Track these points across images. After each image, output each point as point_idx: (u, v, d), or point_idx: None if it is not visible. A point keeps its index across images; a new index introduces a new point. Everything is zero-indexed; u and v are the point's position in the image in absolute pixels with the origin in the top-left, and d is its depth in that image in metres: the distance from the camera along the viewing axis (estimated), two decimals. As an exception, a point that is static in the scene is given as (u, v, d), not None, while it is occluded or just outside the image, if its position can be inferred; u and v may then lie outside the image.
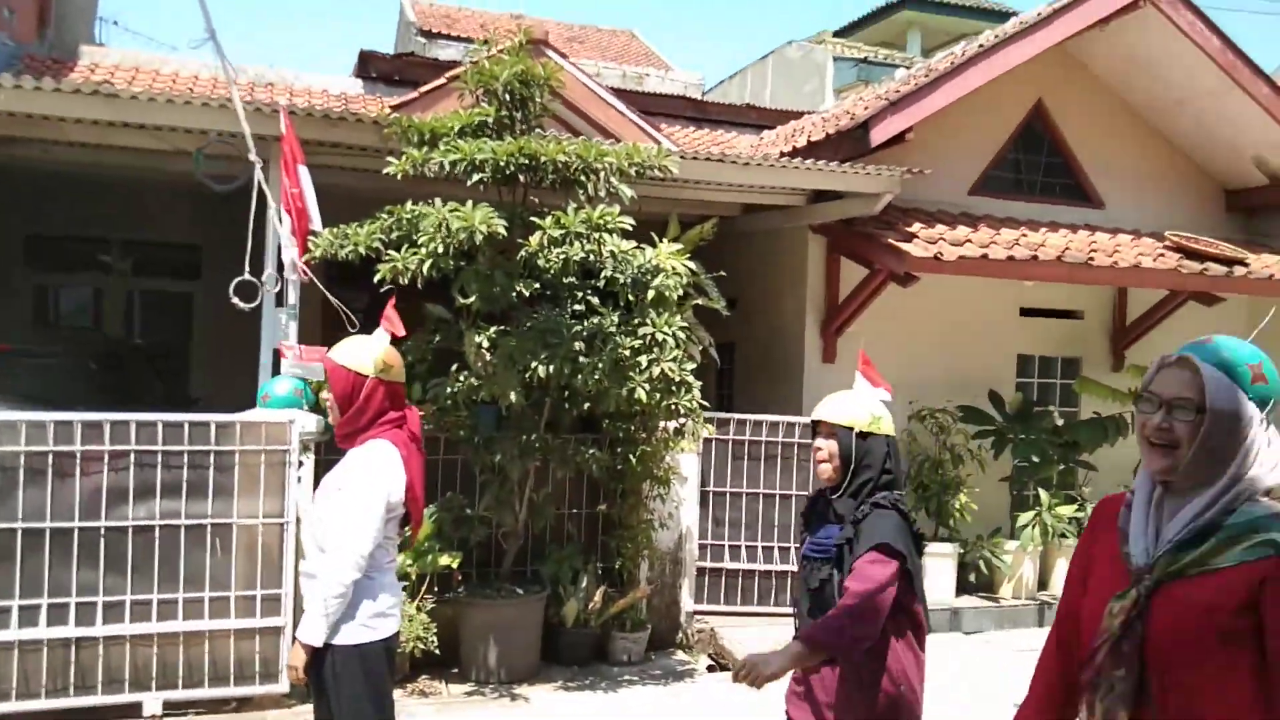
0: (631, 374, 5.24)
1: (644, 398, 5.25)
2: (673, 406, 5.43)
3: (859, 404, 2.98)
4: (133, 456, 5.03)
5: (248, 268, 5.63)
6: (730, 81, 19.29)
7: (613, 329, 5.25)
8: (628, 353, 5.21)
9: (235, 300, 5.35)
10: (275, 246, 5.85)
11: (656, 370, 5.20)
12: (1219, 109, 8.56)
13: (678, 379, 5.32)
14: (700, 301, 6.46)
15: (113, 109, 5.30)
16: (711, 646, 6.78)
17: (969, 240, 7.32)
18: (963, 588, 7.87)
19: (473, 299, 5.56)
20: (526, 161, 5.08)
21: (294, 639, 3.10)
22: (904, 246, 6.84)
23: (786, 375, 8.25)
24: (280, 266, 5.78)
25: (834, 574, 2.84)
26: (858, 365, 3.56)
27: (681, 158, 6.28)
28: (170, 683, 5.10)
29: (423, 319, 6.12)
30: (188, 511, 5.12)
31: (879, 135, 7.08)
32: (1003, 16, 21.24)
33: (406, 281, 5.21)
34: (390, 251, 5.15)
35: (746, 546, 7.22)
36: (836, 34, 20.51)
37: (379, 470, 3.05)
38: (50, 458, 4.90)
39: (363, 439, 3.11)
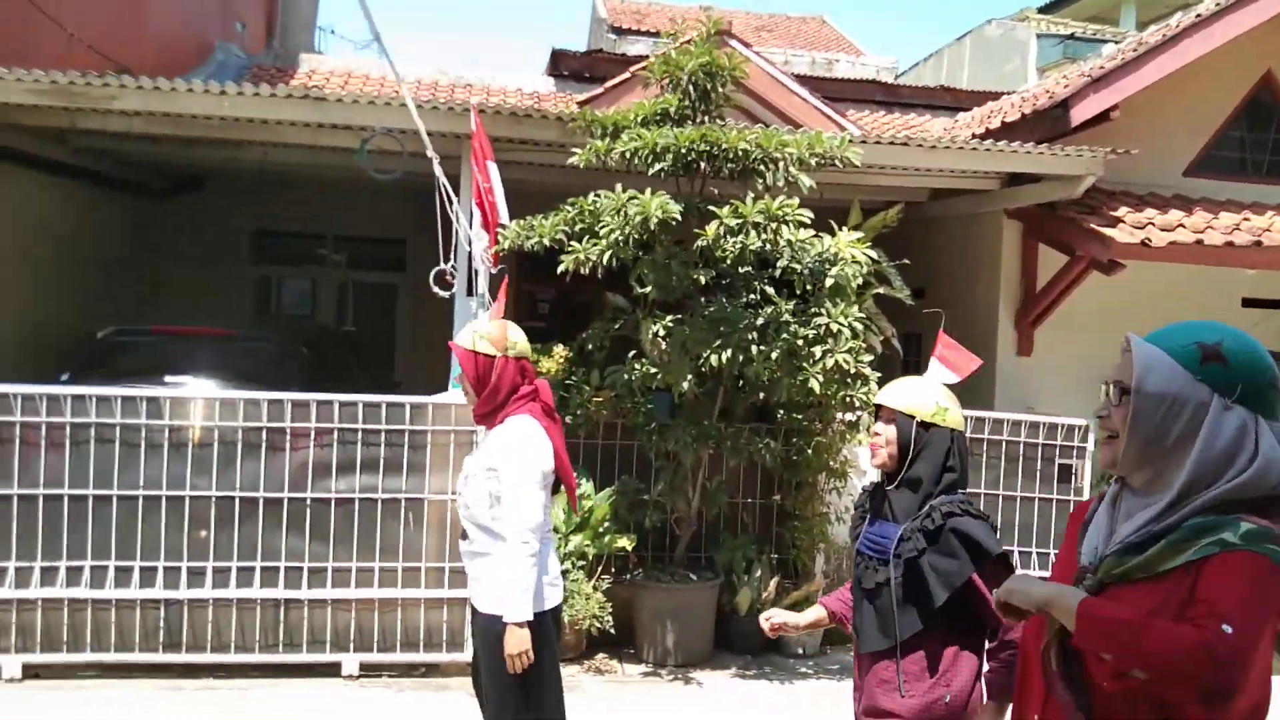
0: (805, 364, 5.18)
1: (817, 389, 5.17)
2: (848, 399, 5.32)
3: (925, 391, 2.78)
4: (336, 434, 5.42)
5: (441, 259, 5.95)
6: (925, 64, 18.62)
7: (787, 318, 5.20)
8: (801, 343, 5.14)
9: (435, 289, 5.64)
10: (465, 238, 6.14)
11: (830, 361, 5.11)
12: None
13: (853, 370, 5.20)
14: (882, 290, 6.28)
15: (318, 111, 5.72)
16: (888, 643, 6.60)
17: (1181, 225, 6.77)
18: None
19: (649, 288, 5.64)
20: (708, 149, 5.09)
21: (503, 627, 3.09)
22: (1108, 231, 6.41)
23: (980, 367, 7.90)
24: (470, 257, 6.06)
25: (891, 579, 2.64)
26: (935, 347, 3.27)
27: (864, 143, 6.12)
28: (366, 645, 5.48)
29: (602, 308, 6.28)
30: (384, 486, 5.47)
31: (1079, 114, 6.66)
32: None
33: (587, 271, 5.35)
34: (573, 243, 5.29)
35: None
36: (1042, 10, 19.40)
37: (528, 443, 3.15)
38: (264, 433, 5.36)
39: (502, 416, 3.21)
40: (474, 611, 3.30)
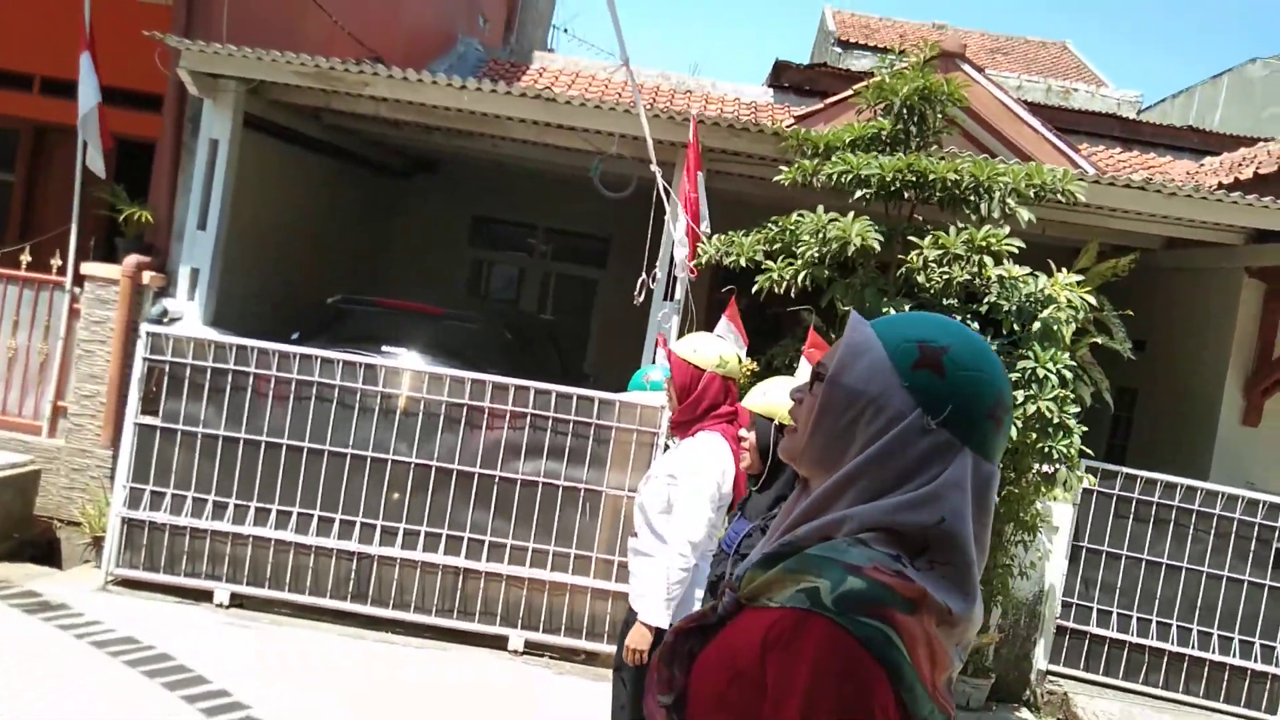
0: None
1: (1014, 435, 4.94)
2: (1047, 449, 5.06)
3: (782, 391, 2.63)
4: (529, 419, 5.66)
5: (645, 263, 6.10)
6: (1173, 101, 17.40)
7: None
8: (1002, 386, 4.92)
9: (637, 297, 5.79)
10: (669, 245, 6.27)
11: (1032, 408, 4.88)
12: None
13: (1055, 420, 4.95)
14: (1100, 340, 5.94)
15: (547, 111, 5.98)
16: (1063, 711, 6.25)
17: None
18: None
19: (849, 307, 5.57)
20: (914, 179, 4.98)
21: (634, 621, 3.25)
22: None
23: (1195, 433, 7.34)
24: (671, 264, 6.18)
25: (728, 574, 2.44)
26: (804, 347, 3.06)
27: (1096, 182, 5.80)
28: (533, 624, 5.69)
29: (795, 325, 6.25)
30: (567, 474, 5.67)
31: (1350, 171, 6.05)
32: None
33: (781, 291, 5.34)
34: (769, 261, 5.30)
35: (1119, 614, 6.53)
36: (1317, 50, 17.65)
37: (712, 460, 3.19)
38: (465, 410, 5.66)
39: (696, 429, 3.27)
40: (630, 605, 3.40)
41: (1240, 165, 8.94)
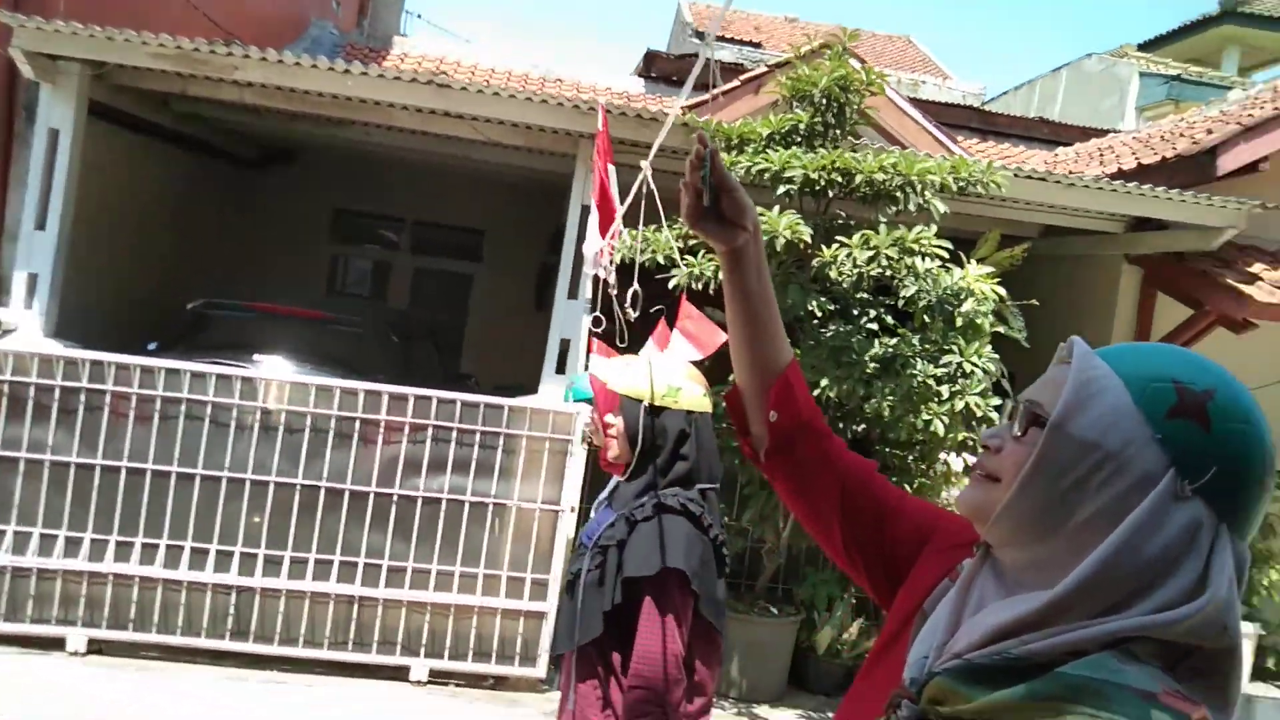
0: (931, 404, 4.88)
1: (941, 431, 4.88)
2: (969, 442, 5.02)
3: (650, 372, 2.42)
4: (430, 431, 5.22)
5: (572, 263, 5.74)
6: (1015, 93, 18.17)
7: (911, 354, 4.91)
8: (932, 381, 4.85)
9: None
10: (575, 242, 5.94)
11: (960, 403, 4.81)
12: None
13: (981, 414, 4.90)
14: (1002, 330, 5.97)
15: (440, 98, 5.53)
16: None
17: (1325, 287, 6.38)
18: (1259, 673, 6.95)
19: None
20: (839, 178, 4.83)
21: None
22: (1246, 289, 6.04)
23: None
24: (580, 260, 5.85)
25: (585, 572, 2.32)
26: (678, 319, 2.61)
27: (1015, 175, 5.81)
28: (437, 651, 5.26)
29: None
30: (473, 489, 5.26)
31: (1228, 163, 6.29)
32: (1346, 34, 18.79)
33: (700, 287, 5.10)
34: (687, 256, 5.05)
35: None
36: (1141, 47, 18.84)
37: None
38: (357, 424, 5.16)
39: None
40: None
41: (1100, 155, 9.30)
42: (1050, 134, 13.06)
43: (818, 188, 4.88)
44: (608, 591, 2.28)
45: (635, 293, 2.93)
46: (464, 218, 10.56)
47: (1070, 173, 7.25)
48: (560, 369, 6.06)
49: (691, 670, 2.29)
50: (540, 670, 5.34)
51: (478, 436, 5.24)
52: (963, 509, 1.11)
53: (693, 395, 2.43)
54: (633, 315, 3.01)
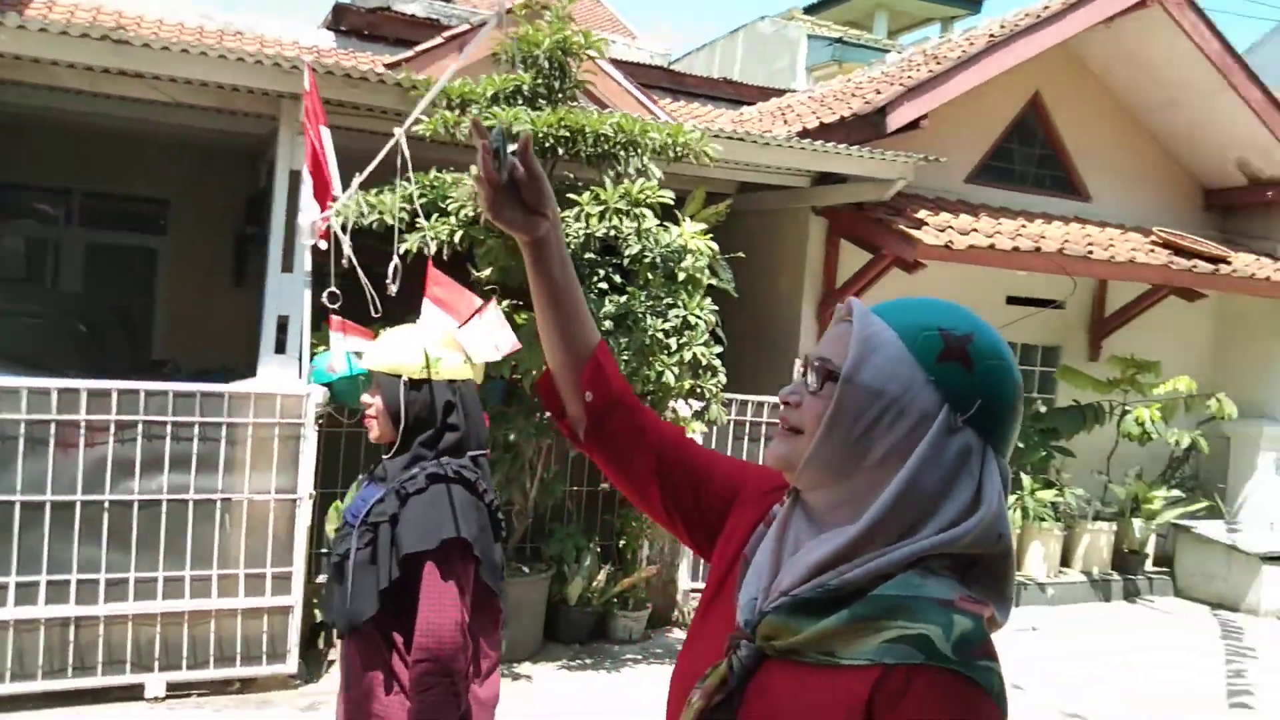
0: (661, 356, 5.14)
1: (672, 381, 5.16)
2: (698, 389, 5.35)
3: (408, 344, 2.37)
4: (140, 427, 4.77)
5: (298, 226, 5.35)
6: (698, 54, 19.10)
7: (641, 310, 5.13)
8: (661, 335, 5.10)
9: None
10: (280, 210, 5.60)
11: (689, 354, 5.11)
12: (1210, 110, 8.71)
13: (705, 363, 5.24)
14: (714, 282, 6.37)
15: (119, 56, 4.96)
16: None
17: (975, 229, 7.35)
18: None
19: (486, 272, 5.39)
20: (567, 134, 4.90)
21: None
22: (915, 234, 6.83)
23: (779, 355, 8.21)
24: (295, 230, 5.53)
25: (355, 551, 2.26)
26: (426, 287, 2.63)
27: (731, 138, 6.16)
28: (174, 663, 4.89)
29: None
30: (197, 486, 4.89)
31: (895, 121, 7.04)
32: (971, 3, 21.42)
33: (432, 253, 5.01)
34: (420, 220, 4.94)
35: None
36: (807, 10, 20.44)
37: None
38: (53, 427, 4.62)
39: None
40: None
41: (781, 114, 10.07)
42: (734, 94, 13.87)
43: (546, 146, 4.94)
44: (383, 568, 2.22)
45: (396, 267, 2.85)
46: (144, 187, 9.57)
47: (764, 133, 7.80)
48: (280, 348, 5.72)
49: (475, 637, 2.30)
50: (291, 666, 5.12)
51: (196, 429, 4.86)
52: (772, 462, 1.22)
53: (453, 364, 2.39)
54: (393, 290, 2.93)
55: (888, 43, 17.39)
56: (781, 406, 1.21)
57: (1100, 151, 9.12)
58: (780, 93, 13.45)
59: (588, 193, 4.99)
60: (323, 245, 5.36)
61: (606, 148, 4.97)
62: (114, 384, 4.71)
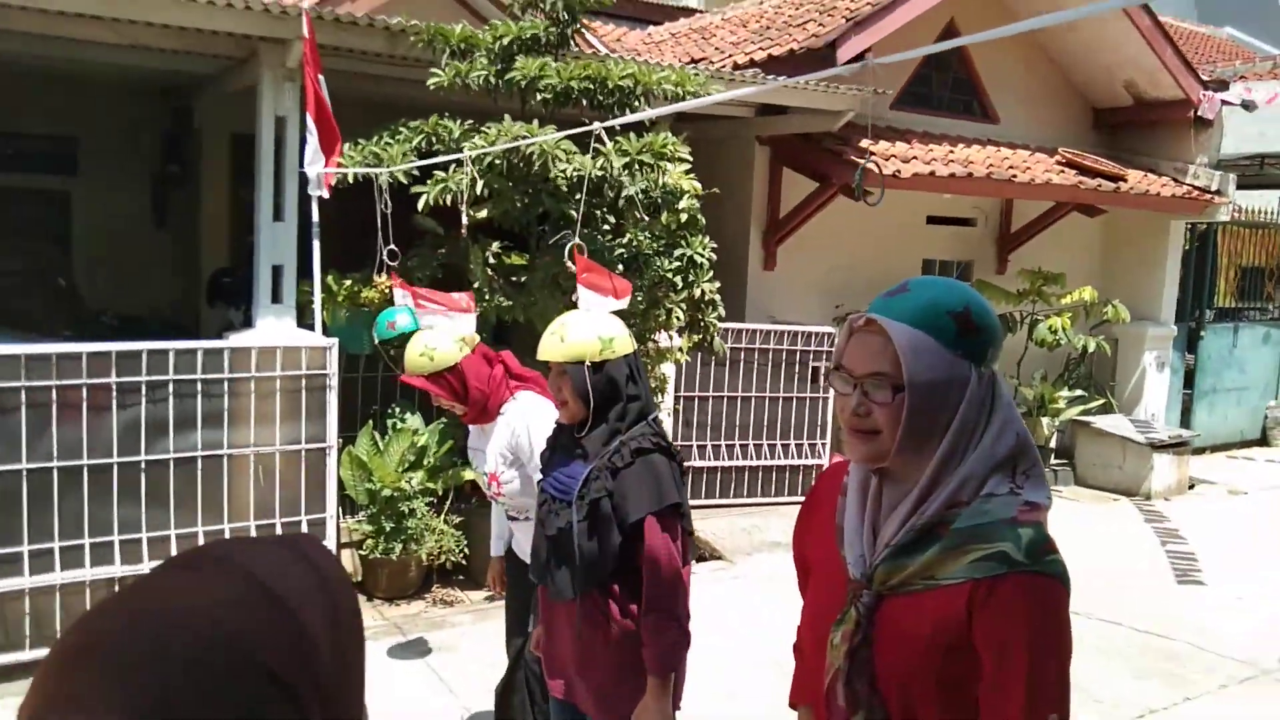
0: (670, 295, 5.43)
1: (681, 318, 5.46)
2: (702, 322, 5.67)
3: (583, 331, 2.59)
4: (171, 386, 4.76)
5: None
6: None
7: (650, 251, 5.38)
8: (669, 274, 5.37)
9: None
10: (271, 156, 5.54)
11: (697, 292, 5.41)
12: (1102, 34, 9.40)
13: (708, 298, 5.56)
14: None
15: (106, 3, 4.76)
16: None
17: (915, 157, 7.83)
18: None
19: (483, 213, 5.50)
20: (590, 85, 5.03)
21: None
22: (863, 162, 7.24)
23: (729, 282, 8.57)
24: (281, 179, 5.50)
25: (574, 523, 2.48)
26: (578, 276, 3.02)
27: (730, 80, 6.35)
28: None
29: (421, 233, 6.00)
30: (229, 441, 4.93)
31: (846, 54, 7.37)
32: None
33: (449, 202, 5.11)
34: (437, 171, 5.01)
35: (712, 445, 7.67)
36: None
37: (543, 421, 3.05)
38: (85, 390, 4.57)
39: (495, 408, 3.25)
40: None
41: (704, 33, 10.24)
42: (634, 12, 13.87)
43: (573, 96, 5.06)
44: (610, 537, 2.50)
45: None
46: (49, 125, 9.01)
47: (697, 60, 8.00)
48: (276, 298, 5.72)
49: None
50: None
51: (225, 385, 4.89)
52: (860, 459, 1.53)
53: (623, 341, 2.60)
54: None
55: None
56: (853, 418, 1.50)
57: (1006, 75, 9.73)
58: (684, 11, 13.55)
59: (612, 144, 5.12)
60: (325, 195, 5.38)
61: (620, 96, 5.12)
62: (112, 346, 4.64)
